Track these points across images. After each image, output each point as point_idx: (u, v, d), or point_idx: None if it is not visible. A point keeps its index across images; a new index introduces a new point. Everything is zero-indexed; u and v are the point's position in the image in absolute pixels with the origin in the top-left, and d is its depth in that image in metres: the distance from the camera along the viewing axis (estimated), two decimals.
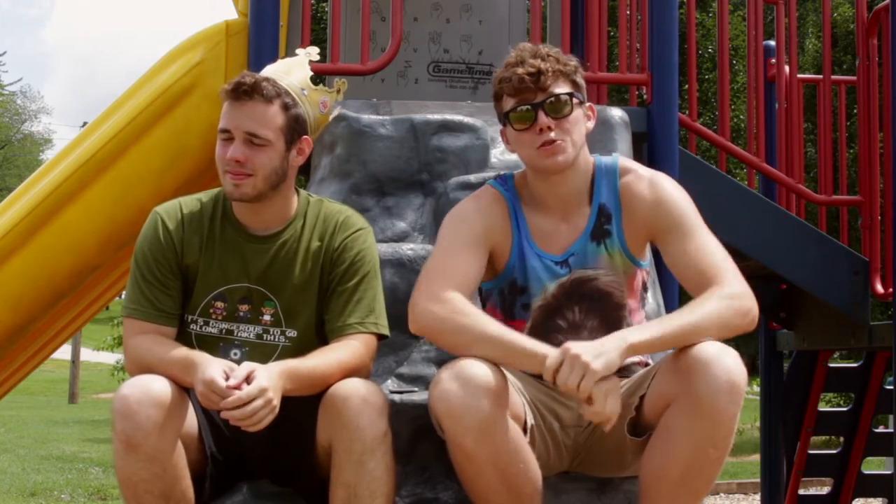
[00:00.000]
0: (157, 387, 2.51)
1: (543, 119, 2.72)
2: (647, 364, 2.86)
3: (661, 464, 2.55)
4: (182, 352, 2.62)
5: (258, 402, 2.46)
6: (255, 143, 2.68)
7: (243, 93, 2.66)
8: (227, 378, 2.49)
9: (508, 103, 2.77)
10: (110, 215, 3.91)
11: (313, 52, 2.88)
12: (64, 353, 18.61)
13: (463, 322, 2.61)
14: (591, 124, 2.84)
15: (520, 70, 2.73)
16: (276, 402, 2.50)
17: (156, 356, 2.63)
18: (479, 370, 2.51)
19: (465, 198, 2.91)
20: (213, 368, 2.51)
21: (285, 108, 2.71)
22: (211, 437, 2.68)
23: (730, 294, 2.61)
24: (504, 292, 2.84)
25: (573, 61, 2.80)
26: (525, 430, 2.63)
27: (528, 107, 2.73)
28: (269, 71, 2.78)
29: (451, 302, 2.63)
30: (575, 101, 2.76)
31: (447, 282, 2.67)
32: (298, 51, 2.87)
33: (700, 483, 2.55)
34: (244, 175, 2.67)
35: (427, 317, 2.65)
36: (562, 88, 2.75)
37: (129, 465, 2.48)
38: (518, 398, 2.66)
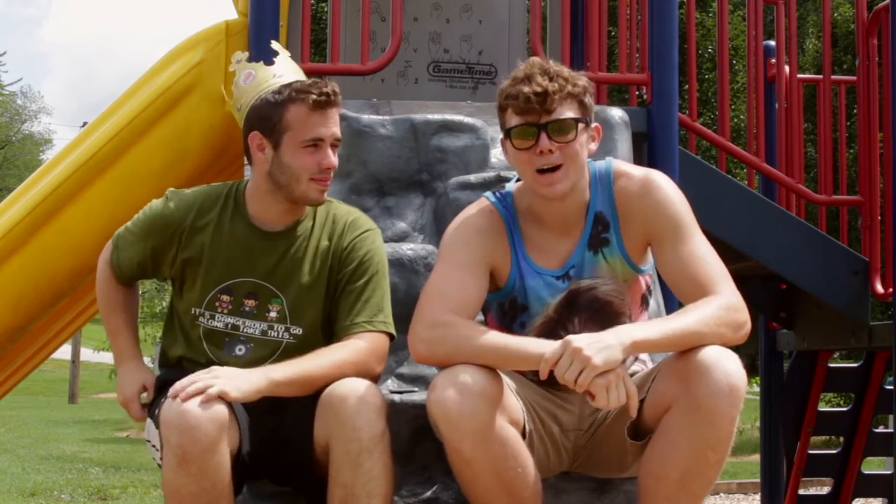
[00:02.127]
0: (216, 405, 2.48)
1: (545, 142, 2.65)
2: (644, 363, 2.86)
3: (660, 466, 2.54)
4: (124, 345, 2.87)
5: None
6: (336, 147, 2.77)
7: (333, 103, 2.73)
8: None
9: (512, 119, 2.70)
10: (110, 215, 3.90)
11: (280, 46, 2.89)
12: (64, 353, 18.63)
13: (458, 339, 2.58)
14: (594, 146, 2.77)
15: (526, 89, 2.65)
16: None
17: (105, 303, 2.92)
18: (474, 376, 2.50)
19: (465, 209, 2.86)
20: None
21: None
22: (246, 441, 2.66)
23: (727, 305, 2.57)
24: (504, 307, 2.81)
25: (582, 81, 2.72)
26: (523, 435, 2.62)
27: (532, 128, 2.66)
28: (297, 72, 2.80)
29: (446, 325, 2.59)
30: (580, 125, 2.69)
31: (443, 305, 2.63)
32: (275, 45, 2.87)
33: (699, 485, 2.54)
34: (328, 180, 2.76)
35: (423, 344, 2.62)
36: (568, 112, 2.67)
37: (181, 479, 2.45)
38: (516, 403, 2.64)
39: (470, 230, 2.76)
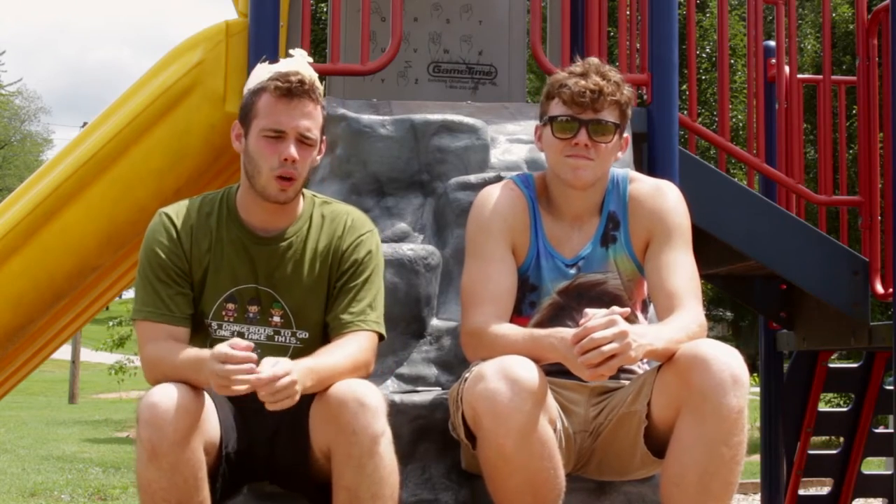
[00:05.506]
0: (184, 396, 2.49)
1: (583, 137, 2.79)
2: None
3: (677, 471, 2.56)
4: (191, 352, 2.59)
5: (285, 381, 2.44)
6: (306, 143, 2.69)
7: (297, 92, 2.66)
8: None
9: (557, 108, 2.82)
10: (110, 215, 3.91)
11: (303, 52, 2.87)
12: (64, 353, 18.60)
13: (493, 340, 2.70)
14: (621, 154, 2.90)
15: (582, 82, 2.78)
16: (299, 390, 2.47)
17: (169, 363, 2.60)
18: (526, 371, 2.53)
19: (487, 191, 2.93)
20: (219, 346, 2.49)
21: (323, 107, 2.74)
22: (231, 440, 2.67)
23: (702, 324, 2.69)
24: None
25: (628, 91, 2.86)
26: (554, 432, 2.65)
27: (576, 122, 2.79)
28: (294, 68, 2.74)
29: (480, 332, 2.72)
30: (617, 131, 2.82)
31: (477, 308, 2.75)
32: (294, 52, 2.85)
33: (718, 486, 2.56)
34: (293, 176, 2.67)
35: (466, 348, 2.80)
36: (611, 116, 2.81)
37: (151, 473, 2.46)
38: (553, 401, 2.68)
39: (492, 215, 2.86)
